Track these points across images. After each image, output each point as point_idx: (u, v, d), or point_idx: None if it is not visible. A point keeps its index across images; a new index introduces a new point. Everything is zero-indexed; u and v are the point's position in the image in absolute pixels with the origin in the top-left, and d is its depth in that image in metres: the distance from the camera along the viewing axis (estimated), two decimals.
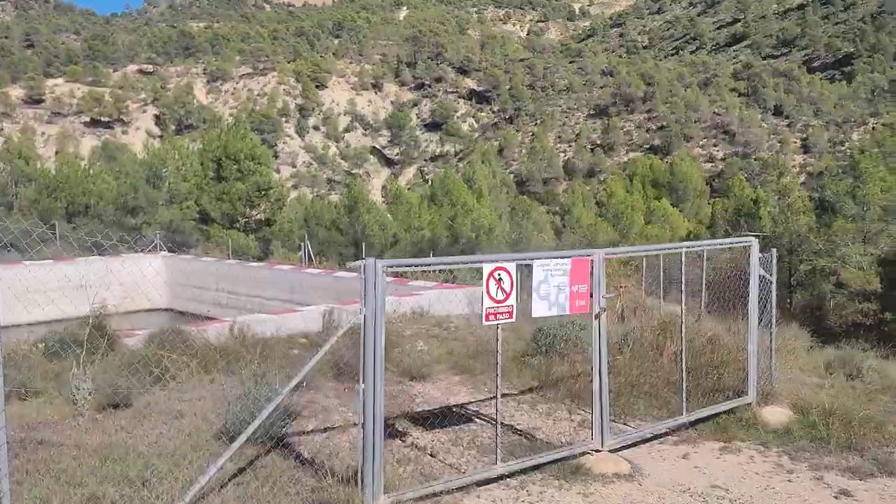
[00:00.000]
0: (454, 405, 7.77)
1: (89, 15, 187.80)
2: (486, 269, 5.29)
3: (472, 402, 7.94)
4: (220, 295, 19.73)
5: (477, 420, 7.30)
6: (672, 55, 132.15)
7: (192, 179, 33.24)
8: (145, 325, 19.24)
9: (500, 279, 5.30)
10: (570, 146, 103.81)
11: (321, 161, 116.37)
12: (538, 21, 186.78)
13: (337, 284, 16.01)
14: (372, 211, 39.45)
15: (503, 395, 8.40)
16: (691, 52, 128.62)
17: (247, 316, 11.25)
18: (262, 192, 34.26)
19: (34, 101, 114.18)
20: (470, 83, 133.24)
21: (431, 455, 6.17)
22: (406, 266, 5.61)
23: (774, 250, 7.11)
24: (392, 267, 5.06)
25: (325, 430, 6.71)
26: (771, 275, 7.00)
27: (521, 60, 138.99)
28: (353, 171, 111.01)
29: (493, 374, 9.22)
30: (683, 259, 6.55)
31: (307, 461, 5.69)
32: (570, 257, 5.80)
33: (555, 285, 5.64)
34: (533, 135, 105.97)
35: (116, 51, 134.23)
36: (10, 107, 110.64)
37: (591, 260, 5.88)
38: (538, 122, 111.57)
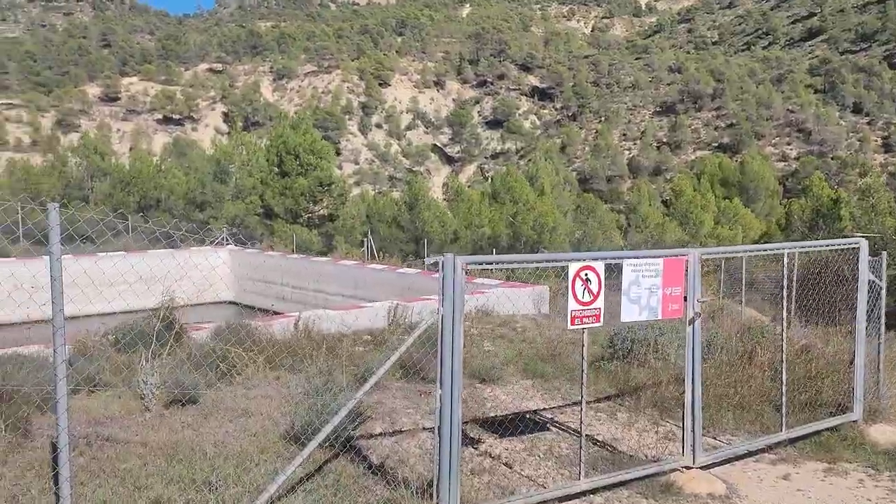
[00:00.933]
0: (527, 411, 7.38)
1: (163, 15, 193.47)
2: (573, 268, 4.88)
3: (545, 409, 7.54)
4: (284, 289, 19.78)
5: (553, 428, 6.90)
6: (743, 51, 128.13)
7: (257, 175, 33.64)
8: (211, 319, 19.42)
9: (588, 280, 4.89)
10: (634, 144, 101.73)
11: (383, 158, 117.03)
12: (603, 17, 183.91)
13: (400, 280, 15.79)
14: (432, 208, 39.28)
15: (576, 403, 7.99)
16: (763, 48, 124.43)
17: (311, 311, 11.08)
18: (324, 188, 34.42)
19: (110, 98, 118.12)
20: (533, 80, 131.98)
21: (507, 465, 5.80)
22: (486, 263, 5.24)
23: (885, 253, 6.48)
24: (471, 264, 4.69)
25: (394, 433, 6.41)
26: (881, 280, 6.38)
27: (586, 57, 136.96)
28: (413, 169, 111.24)
29: (566, 380, 8.82)
30: (786, 261, 5.99)
31: (376, 468, 5.39)
32: (661, 257, 5.34)
33: (646, 287, 5.19)
34: (597, 132, 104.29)
35: (188, 50, 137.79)
36: (87, 104, 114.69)
37: (686, 260, 5.41)
38: (602, 119, 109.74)
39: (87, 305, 18.37)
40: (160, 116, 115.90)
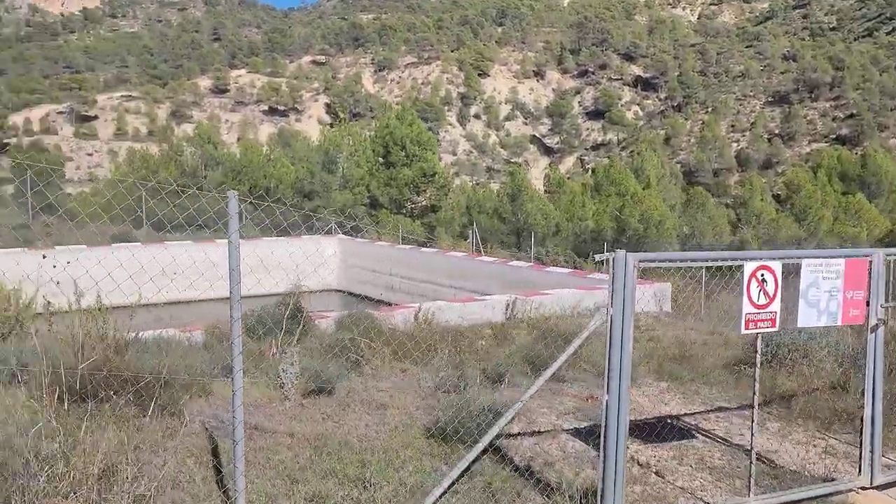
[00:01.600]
0: (668, 416, 7.00)
1: (270, 9, 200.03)
2: (748, 267, 4.49)
3: (686, 414, 7.13)
4: (393, 279, 19.88)
5: (698, 435, 6.49)
6: (864, 37, 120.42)
7: (364, 165, 34.09)
8: (325, 306, 19.76)
9: (763, 280, 4.49)
10: (743, 135, 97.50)
11: (481, 149, 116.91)
12: (710, 4, 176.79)
13: (512, 274, 15.53)
14: (535, 200, 38.74)
15: (720, 409, 7.53)
16: (888, 34, 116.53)
17: (431, 303, 10.99)
18: (428, 179, 34.54)
19: (220, 90, 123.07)
20: (636, 70, 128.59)
21: (658, 474, 5.47)
22: (660, 261, 4.91)
23: None
24: (644, 261, 4.38)
25: (532, 434, 6.18)
26: None
27: (692, 45, 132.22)
28: (512, 160, 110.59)
29: (703, 383, 8.35)
30: None
31: (522, 470, 5.18)
32: (841, 257, 4.87)
33: (826, 290, 4.74)
34: (703, 123, 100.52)
35: (293, 43, 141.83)
36: (199, 96, 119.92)
37: (870, 261, 4.91)
38: (709, 109, 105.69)
39: (207, 291, 19.05)
40: (266, 107, 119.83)
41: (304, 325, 9.56)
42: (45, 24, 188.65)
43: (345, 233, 27.45)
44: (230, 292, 3.51)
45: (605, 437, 4.16)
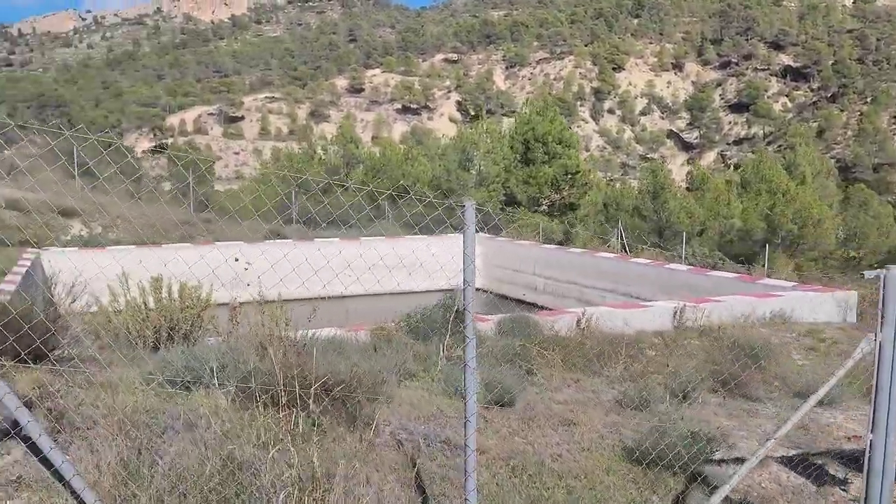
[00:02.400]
0: None
1: (403, 9, 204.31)
2: None
3: None
4: (537, 279, 19.46)
5: None
6: None
7: (501, 162, 33.79)
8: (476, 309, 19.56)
9: None
10: None
11: (615, 145, 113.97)
12: None
13: (669, 277, 14.69)
14: (678, 197, 37.06)
15: None
16: None
17: (593, 308, 10.47)
18: (570, 177, 33.77)
19: (355, 90, 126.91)
20: (785, 59, 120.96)
21: None
22: None
23: None
24: None
25: (734, 461, 5.58)
26: None
27: (849, 31, 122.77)
28: (648, 156, 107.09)
29: None
30: None
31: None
32: None
33: None
34: (861, 115, 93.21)
35: (425, 42, 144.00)
36: (336, 96, 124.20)
37: None
38: (868, 100, 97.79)
39: (355, 286, 19.31)
40: (399, 106, 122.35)
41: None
42: (197, 32, 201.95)
43: (484, 231, 27.30)
44: (464, 307, 3.23)
45: (867, 483, 3.55)
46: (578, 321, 9.89)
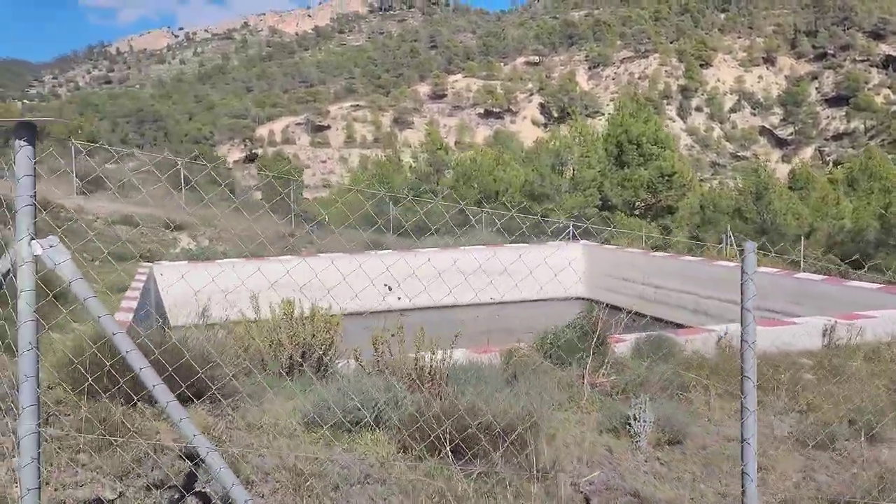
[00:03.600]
0: None
1: (483, 14, 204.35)
2: None
3: None
4: (646, 289, 18.65)
5: None
6: None
7: (595, 165, 32.95)
8: (565, 314, 18.93)
9: None
10: None
11: (703, 144, 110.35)
12: None
13: (800, 287, 13.69)
14: (784, 197, 35.40)
15: None
16: None
17: (734, 325, 9.71)
18: (667, 179, 32.63)
19: (438, 96, 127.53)
20: (886, 49, 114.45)
21: None
22: None
23: None
24: None
25: None
26: None
27: None
28: (739, 154, 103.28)
29: None
30: None
31: None
32: None
33: None
34: None
35: (506, 45, 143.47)
36: (418, 102, 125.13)
37: None
38: None
39: (460, 295, 19.04)
40: (481, 111, 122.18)
41: (601, 348, 8.79)
42: (283, 44, 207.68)
43: (574, 237, 26.57)
44: (742, 372, 2.75)
45: None
46: (719, 340, 9.19)
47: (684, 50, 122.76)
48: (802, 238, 33.94)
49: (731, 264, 16.52)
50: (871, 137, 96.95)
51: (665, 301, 17.95)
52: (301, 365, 6.98)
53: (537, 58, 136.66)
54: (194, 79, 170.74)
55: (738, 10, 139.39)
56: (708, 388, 7.38)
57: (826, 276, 14.38)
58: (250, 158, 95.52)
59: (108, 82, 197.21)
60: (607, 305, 21.66)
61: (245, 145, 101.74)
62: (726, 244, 23.87)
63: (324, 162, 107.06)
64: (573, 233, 26.64)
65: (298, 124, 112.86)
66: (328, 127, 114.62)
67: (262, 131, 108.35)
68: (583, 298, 21.50)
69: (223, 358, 5.93)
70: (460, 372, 6.80)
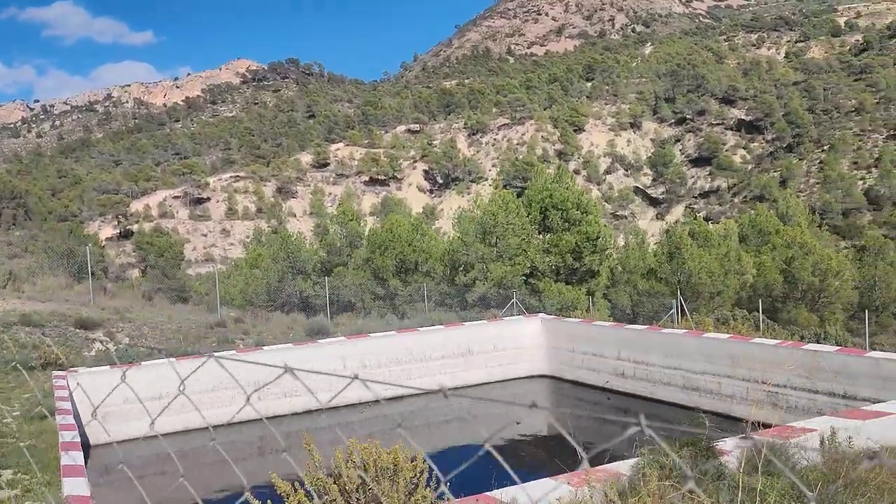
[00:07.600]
0: None
1: (358, 84, 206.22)
2: None
3: None
4: (624, 364, 17.78)
5: None
6: None
7: (519, 233, 32.49)
8: (527, 394, 17.66)
9: None
10: (869, 172, 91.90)
11: None
12: (797, 41, 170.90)
13: (815, 361, 13.16)
14: (695, 257, 36.24)
15: None
16: None
17: (828, 419, 8.82)
18: (592, 243, 32.62)
19: (321, 164, 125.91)
20: (737, 113, 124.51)
21: None
22: None
23: None
24: None
25: None
26: None
27: (795, 84, 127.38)
28: (618, 214, 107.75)
29: None
30: None
31: None
32: None
33: None
34: (821, 162, 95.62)
35: (385, 114, 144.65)
36: (301, 171, 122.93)
37: None
38: (825, 147, 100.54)
39: (418, 380, 17.36)
40: (367, 178, 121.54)
41: (705, 463, 7.57)
42: (151, 115, 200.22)
43: (527, 308, 25.73)
44: None
45: None
46: (822, 441, 8.22)
47: (558, 116, 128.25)
48: (707, 294, 34.86)
49: (722, 336, 15.96)
50: (735, 195, 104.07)
51: (647, 377, 17.13)
52: None
53: (418, 125, 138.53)
54: (55, 152, 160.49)
55: (602, 79, 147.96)
56: None
57: (840, 347, 13.98)
58: (124, 235, 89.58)
59: None
60: (574, 383, 20.59)
61: (118, 221, 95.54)
62: (678, 311, 23.65)
63: (205, 235, 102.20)
64: (518, 305, 25.74)
65: (176, 197, 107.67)
66: (208, 199, 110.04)
67: (137, 206, 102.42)
68: (546, 376, 20.41)
69: None
70: None
